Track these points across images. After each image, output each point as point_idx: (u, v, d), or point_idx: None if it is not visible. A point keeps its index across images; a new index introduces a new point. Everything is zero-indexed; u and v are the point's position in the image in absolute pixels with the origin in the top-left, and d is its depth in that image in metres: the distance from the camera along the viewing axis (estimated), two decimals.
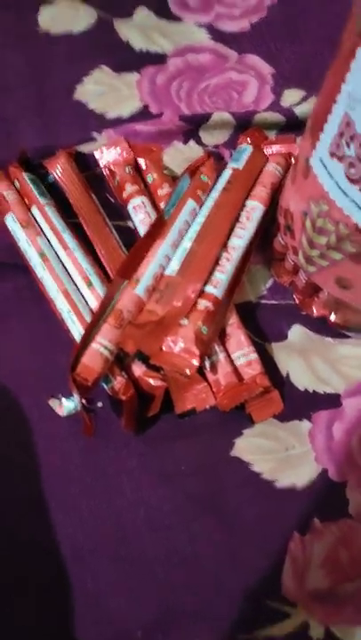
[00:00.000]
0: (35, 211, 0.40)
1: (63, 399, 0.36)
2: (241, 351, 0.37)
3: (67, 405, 0.36)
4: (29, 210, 0.40)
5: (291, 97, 0.47)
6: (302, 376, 0.38)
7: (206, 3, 0.51)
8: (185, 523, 0.33)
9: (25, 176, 0.41)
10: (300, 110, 0.45)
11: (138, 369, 0.35)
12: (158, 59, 0.48)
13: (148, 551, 0.32)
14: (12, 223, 0.39)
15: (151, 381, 0.35)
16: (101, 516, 0.33)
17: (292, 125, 0.45)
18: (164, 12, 0.51)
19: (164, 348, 0.34)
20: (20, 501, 0.34)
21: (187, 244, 0.38)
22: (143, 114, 0.46)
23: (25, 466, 0.35)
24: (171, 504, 0.34)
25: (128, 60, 0.48)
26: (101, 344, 0.34)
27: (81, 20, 0.50)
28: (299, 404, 0.37)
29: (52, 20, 0.50)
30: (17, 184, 0.41)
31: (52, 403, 0.36)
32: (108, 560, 0.32)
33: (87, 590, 0.32)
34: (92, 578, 0.32)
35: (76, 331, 0.35)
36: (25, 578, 0.32)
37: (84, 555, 0.32)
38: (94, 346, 0.34)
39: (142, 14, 0.50)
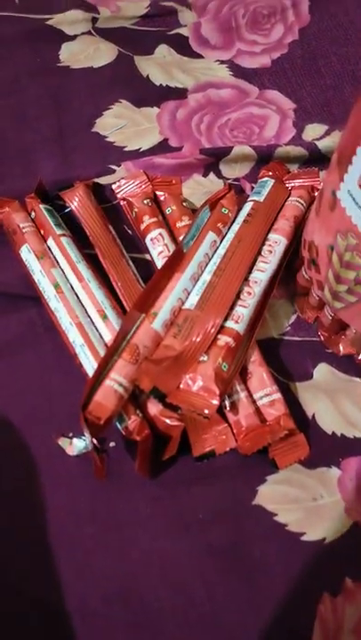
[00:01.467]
0: (50, 242, 0.39)
1: (74, 438, 0.34)
2: (263, 390, 0.35)
3: (77, 445, 0.34)
4: (45, 241, 0.39)
5: (313, 131, 0.46)
6: (330, 418, 0.35)
7: (227, 40, 0.51)
8: (203, 577, 0.30)
9: (42, 207, 0.40)
10: (322, 144, 0.44)
11: (154, 408, 0.33)
12: (179, 94, 0.48)
13: (163, 608, 0.30)
14: (27, 254, 0.38)
15: (168, 421, 0.33)
16: (113, 571, 0.31)
17: (315, 159, 0.44)
18: (184, 49, 0.51)
19: (181, 386, 0.33)
20: (26, 553, 0.31)
21: (207, 277, 0.36)
22: (163, 147, 0.45)
23: (32, 511, 0.32)
24: (188, 556, 0.31)
25: (148, 94, 0.48)
26: (115, 380, 0.32)
27: (102, 55, 0.50)
28: (326, 449, 0.34)
29: (72, 55, 0.50)
30: (33, 215, 0.40)
31: (62, 442, 0.34)
32: (120, 621, 0.29)
33: None
34: None
35: (90, 365, 0.34)
36: (29, 637, 0.29)
37: (94, 615, 0.30)
38: (108, 382, 0.32)
39: (163, 51, 0.51)
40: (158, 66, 0.49)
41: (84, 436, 0.32)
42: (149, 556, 0.31)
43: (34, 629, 0.29)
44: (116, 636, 0.29)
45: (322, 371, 0.37)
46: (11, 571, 0.31)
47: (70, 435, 0.34)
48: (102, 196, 0.43)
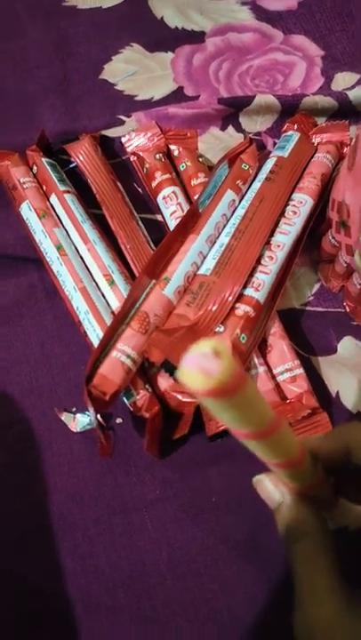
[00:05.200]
0: (53, 199, 0.36)
1: (77, 414, 0.32)
2: (284, 365, 0.32)
3: (81, 420, 0.31)
4: (47, 198, 0.36)
5: (343, 80, 0.42)
6: (355, 396, 0.33)
7: None
8: (216, 569, 0.28)
9: (44, 161, 0.37)
10: (354, 95, 0.40)
11: (164, 382, 0.31)
12: (195, 37, 0.44)
13: (172, 602, 0.28)
14: (27, 212, 0.35)
15: (179, 397, 0.30)
16: (118, 559, 0.29)
17: (346, 111, 0.40)
18: None
19: None
20: (25, 538, 0.29)
21: (224, 239, 0.33)
22: (177, 96, 0.42)
23: (31, 492, 0.30)
24: (200, 545, 0.29)
25: (162, 38, 0.44)
26: (123, 352, 0.29)
27: None
28: None
29: None
30: (35, 169, 0.37)
31: (65, 417, 0.32)
32: (125, 613, 0.27)
33: None
34: (107, 635, 0.27)
35: (95, 335, 0.31)
36: (28, 626, 0.27)
37: (98, 606, 0.28)
38: (114, 354, 0.29)
39: None
40: (174, 6, 0.45)
41: (88, 411, 0.30)
42: (158, 543, 0.29)
43: (33, 619, 0.28)
44: (120, 629, 0.27)
45: (347, 345, 0.34)
46: (9, 556, 0.29)
47: (74, 409, 0.32)
48: (110, 150, 0.40)
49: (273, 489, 0.21)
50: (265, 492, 0.22)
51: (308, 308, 0.36)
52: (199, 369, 0.13)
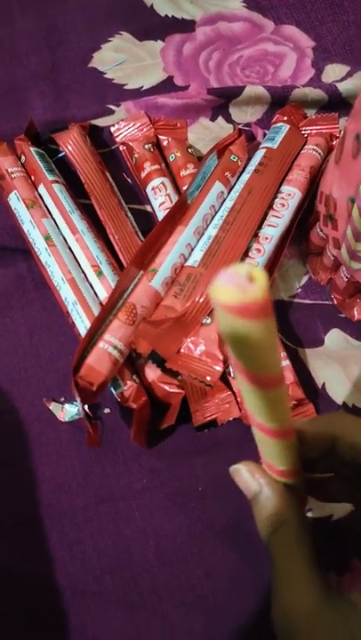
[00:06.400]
0: (42, 189, 0.36)
1: (66, 404, 0.32)
2: None
3: (69, 410, 0.32)
4: (36, 188, 0.36)
5: (333, 72, 0.42)
6: (341, 388, 0.33)
7: None
8: (202, 556, 0.29)
9: (32, 150, 0.37)
10: (344, 87, 0.40)
11: (152, 373, 0.31)
12: (186, 26, 0.44)
13: (158, 589, 0.28)
14: (15, 202, 0.35)
15: (166, 388, 0.30)
16: (105, 547, 0.29)
17: (335, 104, 0.40)
18: None
19: (182, 351, 0.30)
20: (12, 527, 0.30)
21: (212, 231, 0.33)
22: (167, 86, 0.41)
23: (19, 481, 0.30)
24: (186, 533, 0.29)
25: (152, 26, 0.44)
26: (110, 343, 0.29)
27: None
28: None
29: None
30: (23, 159, 0.37)
31: (53, 407, 0.32)
32: (113, 601, 0.28)
33: (87, 635, 0.27)
34: (94, 621, 0.27)
35: (82, 325, 0.31)
36: (17, 614, 0.28)
37: (85, 592, 0.28)
38: (102, 345, 0.29)
39: None
40: None
41: (76, 401, 0.30)
42: (145, 531, 0.29)
43: (20, 606, 0.28)
44: (107, 615, 0.28)
45: (334, 337, 0.35)
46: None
47: (62, 399, 0.32)
48: (99, 140, 0.39)
49: (250, 478, 0.21)
50: (242, 482, 0.22)
51: (295, 300, 0.36)
52: (234, 284, 0.13)
